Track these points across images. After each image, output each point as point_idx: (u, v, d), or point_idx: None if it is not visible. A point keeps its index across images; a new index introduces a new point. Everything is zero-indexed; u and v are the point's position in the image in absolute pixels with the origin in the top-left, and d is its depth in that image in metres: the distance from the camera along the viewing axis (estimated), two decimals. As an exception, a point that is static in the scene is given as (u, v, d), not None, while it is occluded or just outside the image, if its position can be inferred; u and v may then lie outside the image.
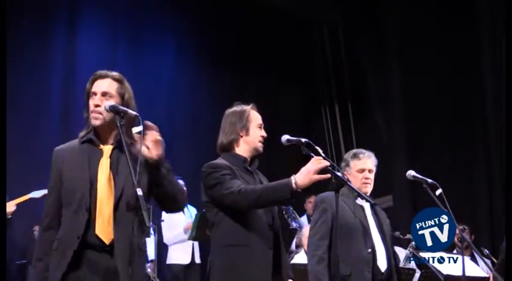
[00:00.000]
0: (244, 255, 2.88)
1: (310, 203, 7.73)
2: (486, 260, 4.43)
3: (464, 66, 7.40)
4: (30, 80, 7.01)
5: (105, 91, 2.67)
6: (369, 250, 3.43)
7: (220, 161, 3.04)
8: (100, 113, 2.63)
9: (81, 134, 2.73)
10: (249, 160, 3.09)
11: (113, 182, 2.61)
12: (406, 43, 7.94)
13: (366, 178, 3.65)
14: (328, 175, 2.74)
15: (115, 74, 2.73)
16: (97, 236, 2.55)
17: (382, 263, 3.48)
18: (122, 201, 2.58)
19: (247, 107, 3.14)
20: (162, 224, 6.82)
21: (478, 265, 5.02)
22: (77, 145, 2.70)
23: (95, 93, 2.68)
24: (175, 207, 2.80)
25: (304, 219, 7.43)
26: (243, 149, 3.08)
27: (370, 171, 3.68)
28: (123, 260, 2.51)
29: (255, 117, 3.12)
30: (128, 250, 2.51)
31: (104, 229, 2.56)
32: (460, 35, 7.46)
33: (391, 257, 3.53)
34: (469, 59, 7.38)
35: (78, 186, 2.60)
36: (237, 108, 3.16)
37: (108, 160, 2.64)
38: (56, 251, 2.57)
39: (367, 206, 3.65)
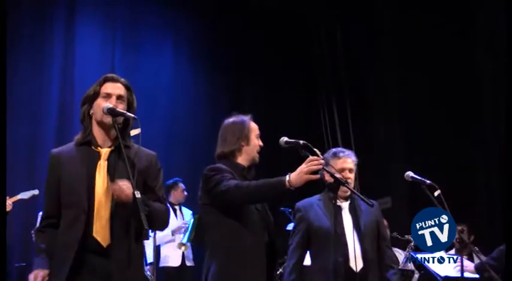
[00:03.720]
0: (241, 257, 2.91)
1: None
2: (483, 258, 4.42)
3: (463, 65, 7.38)
4: (27, 83, 7.00)
5: (121, 94, 2.70)
6: (341, 258, 3.41)
7: (221, 165, 3.08)
8: None
9: (78, 136, 2.74)
10: (247, 168, 3.15)
11: (109, 185, 2.61)
12: (405, 40, 7.93)
13: (347, 178, 3.56)
14: (317, 176, 2.78)
15: (124, 80, 2.77)
16: (95, 239, 2.56)
17: (357, 263, 3.47)
18: (119, 204, 2.58)
19: (247, 118, 3.21)
20: None
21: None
22: (74, 147, 2.71)
23: (109, 95, 2.68)
24: (156, 229, 3.15)
25: None
26: (243, 158, 3.14)
27: (350, 170, 3.65)
28: (119, 263, 2.55)
29: (254, 128, 3.20)
30: (125, 252, 2.56)
31: (102, 231, 2.57)
32: (458, 33, 7.45)
33: (370, 253, 3.53)
34: (468, 57, 7.37)
35: (77, 188, 2.60)
36: (236, 119, 3.20)
37: (106, 162, 2.65)
38: (56, 253, 2.59)
39: (345, 205, 3.64)
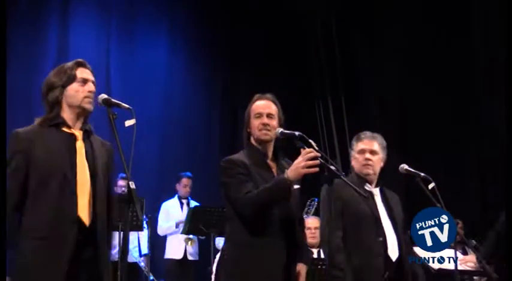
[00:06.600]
0: (249, 255, 2.84)
1: None
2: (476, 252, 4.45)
3: (463, 65, 7.39)
4: (22, 74, 6.96)
5: (94, 80, 2.74)
6: (380, 239, 3.36)
7: (238, 156, 3.00)
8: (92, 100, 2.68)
9: (43, 118, 2.70)
10: (268, 153, 3.05)
11: (87, 165, 2.66)
12: (400, 36, 7.92)
13: (366, 159, 3.52)
14: (316, 169, 2.73)
15: (90, 66, 2.80)
16: (80, 218, 2.58)
17: (393, 252, 3.39)
18: (98, 185, 2.65)
19: (252, 101, 3.12)
20: (159, 214, 6.80)
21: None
22: (41, 128, 2.67)
23: (86, 81, 2.70)
24: None
25: None
26: (257, 144, 3.06)
27: (372, 152, 3.56)
28: (102, 245, 2.62)
29: (254, 108, 3.08)
30: (103, 232, 2.65)
31: (85, 211, 2.59)
32: (458, 33, 7.46)
33: (403, 245, 3.44)
34: (466, 54, 7.38)
35: (59, 169, 2.59)
36: None
37: (83, 143, 2.69)
38: (40, 239, 2.52)
39: (376, 192, 3.57)
